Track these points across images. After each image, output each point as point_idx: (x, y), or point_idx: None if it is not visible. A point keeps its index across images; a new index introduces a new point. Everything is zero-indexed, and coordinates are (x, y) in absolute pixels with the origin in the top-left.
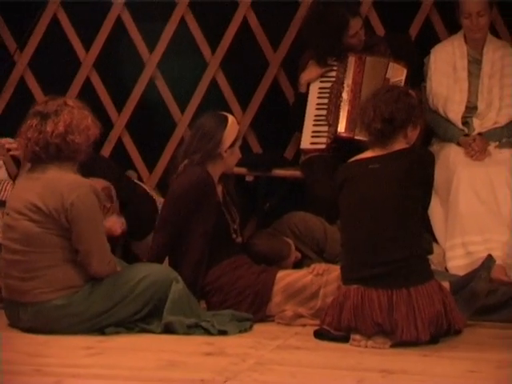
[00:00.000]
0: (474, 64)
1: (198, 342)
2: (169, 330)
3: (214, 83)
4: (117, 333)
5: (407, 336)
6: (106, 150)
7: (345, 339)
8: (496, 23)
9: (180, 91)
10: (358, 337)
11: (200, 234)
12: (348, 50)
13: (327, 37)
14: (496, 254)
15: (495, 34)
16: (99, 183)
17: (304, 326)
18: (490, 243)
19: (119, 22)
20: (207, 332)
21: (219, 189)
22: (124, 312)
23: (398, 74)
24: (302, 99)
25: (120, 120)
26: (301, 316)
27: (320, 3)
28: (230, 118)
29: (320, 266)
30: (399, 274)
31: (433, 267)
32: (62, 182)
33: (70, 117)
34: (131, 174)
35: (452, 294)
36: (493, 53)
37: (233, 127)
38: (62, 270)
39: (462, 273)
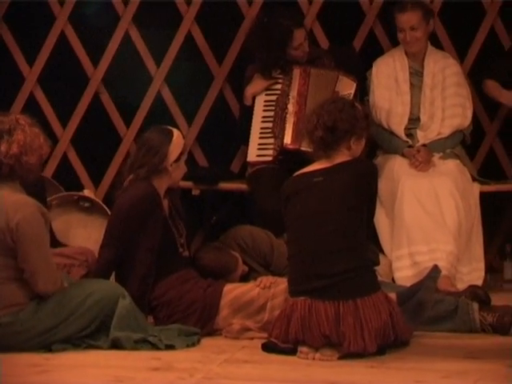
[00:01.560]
0: (416, 76)
1: (145, 357)
2: (116, 345)
3: (159, 97)
4: (64, 349)
5: (354, 347)
6: (51, 166)
7: (292, 352)
8: (438, 33)
9: (125, 105)
10: (305, 349)
11: (146, 249)
12: (293, 62)
13: (271, 49)
14: (442, 264)
15: (437, 44)
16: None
17: (252, 339)
18: (436, 253)
19: (63, 36)
20: (155, 347)
21: (165, 203)
22: (71, 329)
23: (347, 87)
24: (248, 112)
25: (65, 135)
26: (248, 329)
27: (264, 15)
28: (175, 132)
29: (267, 279)
30: (346, 285)
31: (379, 278)
32: (8, 202)
33: (23, 136)
34: (88, 193)
35: (398, 304)
36: (434, 64)
37: (178, 141)
38: (8, 288)
39: (409, 283)
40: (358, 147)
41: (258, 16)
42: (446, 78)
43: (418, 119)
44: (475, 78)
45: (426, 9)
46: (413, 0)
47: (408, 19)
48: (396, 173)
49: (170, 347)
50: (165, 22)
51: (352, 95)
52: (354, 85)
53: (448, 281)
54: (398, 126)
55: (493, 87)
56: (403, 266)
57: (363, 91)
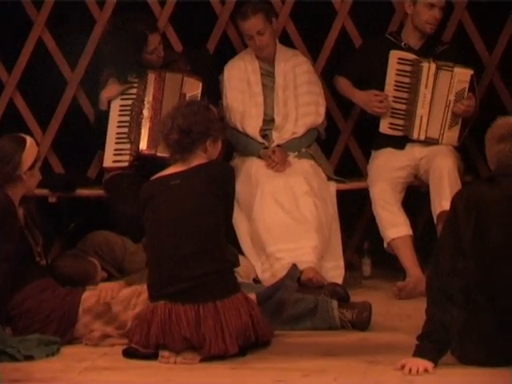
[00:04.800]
0: (267, 77)
1: (5, 369)
2: None
3: (11, 104)
4: None
5: (216, 350)
6: None
7: (154, 356)
8: (290, 32)
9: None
10: (166, 353)
11: (2, 259)
12: (148, 66)
13: (126, 53)
14: (308, 258)
15: (289, 44)
16: None
17: (113, 345)
18: (300, 250)
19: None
20: (13, 358)
21: (20, 212)
22: None
23: (193, 88)
24: (103, 117)
25: None
26: (109, 336)
27: (117, 20)
28: (29, 139)
29: (109, 286)
30: (205, 288)
31: (240, 280)
32: None
33: None
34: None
35: (259, 305)
36: (284, 64)
37: (31, 149)
38: None
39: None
40: (214, 149)
41: (110, 20)
42: (297, 77)
43: (273, 120)
44: (328, 77)
45: (267, 9)
46: (252, 5)
47: (253, 25)
48: (254, 175)
49: (28, 358)
50: (13, 28)
51: (199, 95)
52: (200, 84)
53: (314, 271)
54: (253, 128)
55: (345, 85)
56: (267, 267)
57: (218, 94)
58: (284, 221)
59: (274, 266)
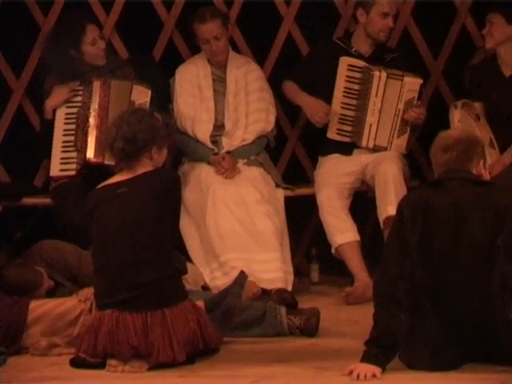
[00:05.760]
0: (219, 82)
1: None
2: None
3: None
4: None
5: (164, 358)
6: None
7: (101, 366)
8: (235, 38)
9: None
10: (114, 362)
11: None
12: (92, 70)
13: (65, 49)
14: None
15: (237, 50)
16: None
17: (60, 355)
18: (250, 262)
19: None
20: None
21: None
22: None
23: (142, 96)
24: (49, 125)
25: None
26: (56, 345)
27: (56, 24)
28: None
29: (88, 291)
30: (153, 295)
31: (188, 287)
32: None
33: None
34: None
35: (207, 312)
36: (236, 70)
37: None
38: None
39: None
40: (159, 157)
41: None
42: (248, 84)
43: (223, 126)
44: (275, 83)
45: (224, 15)
46: (209, 9)
47: (210, 29)
48: (204, 182)
49: None
50: None
51: (148, 103)
52: (149, 92)
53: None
54: (204, 134)
55: (292, 89)
56: (218, 275)
57: (167, 99)
58: (235, 229)
59: (230, 274)
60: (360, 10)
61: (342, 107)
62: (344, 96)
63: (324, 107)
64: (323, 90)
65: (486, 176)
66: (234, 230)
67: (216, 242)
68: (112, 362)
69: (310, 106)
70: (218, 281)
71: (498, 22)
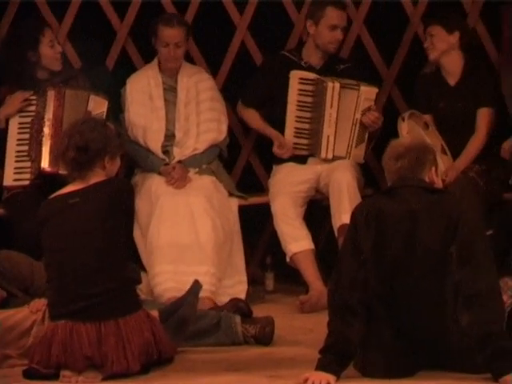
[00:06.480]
0: (170, 92)
1: None
2: None
3: None
4: None
5: (118, 368)
6: None
7: (55, 377)
8: (190, 48)
9: None
10: (68, 373)
11: None
12: (46, 80)
13: (22, 57)
14: (203, 287)
15: (190, 60)
16: None
17: (13, 367)
18: (194, 274)
19: None
20: None
21: None
22: None
23: (99, 106)
24: (2, 135)
25: None
26: (9, 357)
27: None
28: None
29: (40, 302)
30: (107, 305)
31: (142, 296)
32: None
33: None
34: None
35: (161, 322)
36: (187, 79)
37: None
38: None
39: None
40: (112, 166)
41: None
42: (199, 93)
43: (174, 135)
44: (228, 93)
45: (188, 27)
46: (177, 16)
47: (174, 35)
48: (154, 192)
49: None
50: None
51: (105, 114)
52: (106, 103)
53: (209, 301)
54: (155, 143)
55: (253, 119)
56: (163, 286)
57: (119, 109)
58: (179, 241)
59: (159, 287)
60: (309, 21)
61: (296, 121)
62: (298, 110)
63: (279, 146)
64: (278, 105)
65: (439, 183)
66: (174, 243)
67: (154, 252)
68: (66, 372)
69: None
70: (160, 286)
71: (438, 33)
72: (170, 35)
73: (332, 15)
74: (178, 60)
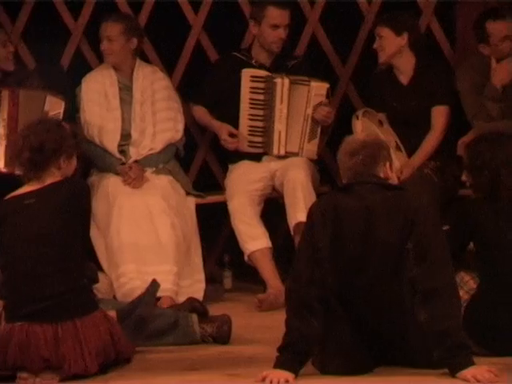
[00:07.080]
0: (126, 91)
1: None
2: None
3: None
4: None
5: (75, 369)
6: None
7: (12, 378)
8: (146, 48)
9: None
10: (25, 375)
11: None
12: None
13: None
14: (164, 286)
15: (144, 58)
16: None
17: None
18: (156, 276)
19: None
20: None
21: None
22: None
23: (56, 106)
24: None
25: None
26: None
27: None
28: None
29: None
30: (63, 306)
31: (100, 296)
32: None
33: None
34: None
35: (119, 321)
36: (143, 79)
37: None
38: None
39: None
40: (68, 167)
41: None
42: (155, 93)
43: (130, 135)
44: (184, 92)
45: (131, 25)
46: (117, 13)
47: (105, 29)
48: (111, 193)
49: None
50: None
51: (61, 114)
52: (63, 103)
53: (170, 300)
54: (111, 143)
55: (202, 115)
56: (118, 285)
57: (74, 109)
58: (139, 241)
59: (126, 286)
60: (252, 21)
61: (250, 119)
62: (251, 108)
63: (229, 137)
64: (231, 104)
65: (394, 179)
66: (135, 242)
67: (116, 253)
68: (23, 374)
69: (217, 129)
70: (122, 291)
71: (387, 35)
72: (103, 29)
73: (273, 15)
74: (111, 55)
